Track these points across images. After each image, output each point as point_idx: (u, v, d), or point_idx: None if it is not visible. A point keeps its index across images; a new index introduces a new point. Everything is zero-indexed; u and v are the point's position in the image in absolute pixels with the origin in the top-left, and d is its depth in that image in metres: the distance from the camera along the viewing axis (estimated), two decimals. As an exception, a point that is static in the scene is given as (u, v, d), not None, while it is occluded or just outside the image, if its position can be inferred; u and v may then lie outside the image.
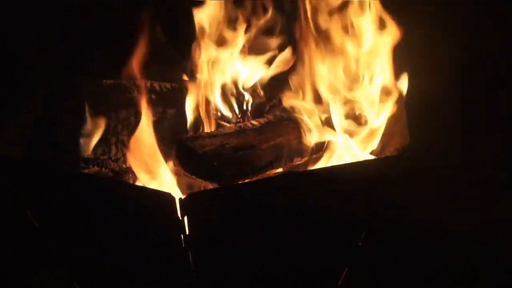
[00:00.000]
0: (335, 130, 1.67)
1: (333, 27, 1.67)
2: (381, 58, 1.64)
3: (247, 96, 1.80)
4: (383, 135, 1.67)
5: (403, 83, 1.64)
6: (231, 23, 1.75)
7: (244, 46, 1.78)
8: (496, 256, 1.83)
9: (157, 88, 1.75)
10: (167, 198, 1.27)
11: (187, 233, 1.31)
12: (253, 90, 1.80)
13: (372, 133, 1.67)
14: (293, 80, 1.73)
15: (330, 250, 1.54)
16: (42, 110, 1.67)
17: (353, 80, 1.69)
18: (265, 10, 1.80)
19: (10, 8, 1.85)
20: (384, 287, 1.75)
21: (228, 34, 1.76)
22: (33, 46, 1.86)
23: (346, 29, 1.67)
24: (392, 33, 1.62)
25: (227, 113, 1.78)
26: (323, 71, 1.69)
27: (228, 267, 1.43)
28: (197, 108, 1.74)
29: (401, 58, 1.69)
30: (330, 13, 1.68)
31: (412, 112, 1.63)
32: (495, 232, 1.88)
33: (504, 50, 2.00)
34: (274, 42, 1.80)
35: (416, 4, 1.85)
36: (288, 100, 1.71)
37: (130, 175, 1.61)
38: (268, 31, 1.80)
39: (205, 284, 1.42)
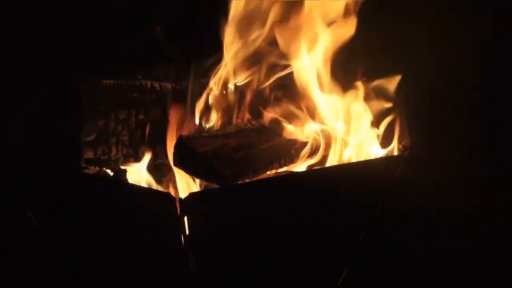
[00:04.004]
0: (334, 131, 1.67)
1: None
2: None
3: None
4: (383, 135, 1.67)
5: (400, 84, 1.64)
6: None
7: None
8: (496, 255, 1.83)
9: (157, 88, 1.75)
10: (167, 198, 1.28)
11: (187, 233, 1.31)
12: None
13: (370, 133, 1.67)
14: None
15: (330, 250, 1.54)
16: (42, 110, 1.67)
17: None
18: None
19: (11, 8, 1.85)
20: (384, 287, 1.75)
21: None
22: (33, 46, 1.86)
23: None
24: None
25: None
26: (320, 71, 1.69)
27: (228, 267, 1.43)
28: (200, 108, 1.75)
29: (400, 59, 1.69)
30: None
31: (412, 112, 1.63)
32: (495, 231, 1.88)
33: (502, 50, 2.00)
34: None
35: (417, 6, 1.85)
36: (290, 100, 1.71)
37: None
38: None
39: (205, 284, 1.42)
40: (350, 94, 1.67)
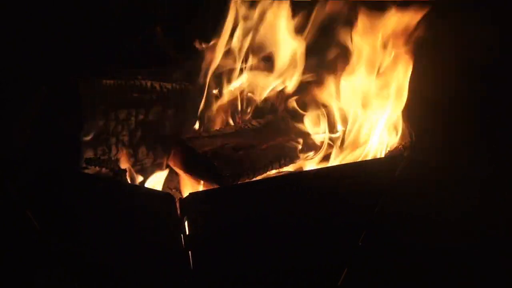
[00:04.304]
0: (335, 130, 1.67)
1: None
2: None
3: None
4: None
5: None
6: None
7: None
8: (496, 255, 1.83)
9: (157, 88, 1.75)
10: (167, 198, 1.28)
11: (187, 233, 1.31)
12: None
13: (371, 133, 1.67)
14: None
15: (330, 250, 1.54)
16: (42, 110, 1.67)
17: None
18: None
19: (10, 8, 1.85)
20: (384, 287, 1.75)
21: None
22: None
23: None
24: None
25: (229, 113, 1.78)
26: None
27: (228, 267, 1.43)
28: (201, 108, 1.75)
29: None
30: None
31: (412, 112, 1.63)
32: (495, 231, 1.88)
33: (502, 50, 2.00)
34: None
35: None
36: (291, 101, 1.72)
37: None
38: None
39: (205, 284, 1.42)
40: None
